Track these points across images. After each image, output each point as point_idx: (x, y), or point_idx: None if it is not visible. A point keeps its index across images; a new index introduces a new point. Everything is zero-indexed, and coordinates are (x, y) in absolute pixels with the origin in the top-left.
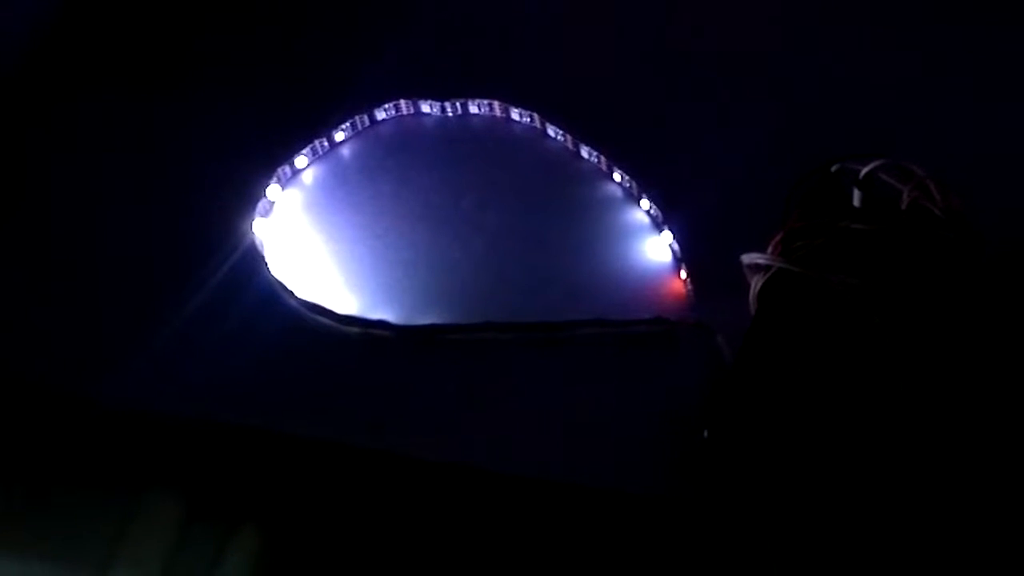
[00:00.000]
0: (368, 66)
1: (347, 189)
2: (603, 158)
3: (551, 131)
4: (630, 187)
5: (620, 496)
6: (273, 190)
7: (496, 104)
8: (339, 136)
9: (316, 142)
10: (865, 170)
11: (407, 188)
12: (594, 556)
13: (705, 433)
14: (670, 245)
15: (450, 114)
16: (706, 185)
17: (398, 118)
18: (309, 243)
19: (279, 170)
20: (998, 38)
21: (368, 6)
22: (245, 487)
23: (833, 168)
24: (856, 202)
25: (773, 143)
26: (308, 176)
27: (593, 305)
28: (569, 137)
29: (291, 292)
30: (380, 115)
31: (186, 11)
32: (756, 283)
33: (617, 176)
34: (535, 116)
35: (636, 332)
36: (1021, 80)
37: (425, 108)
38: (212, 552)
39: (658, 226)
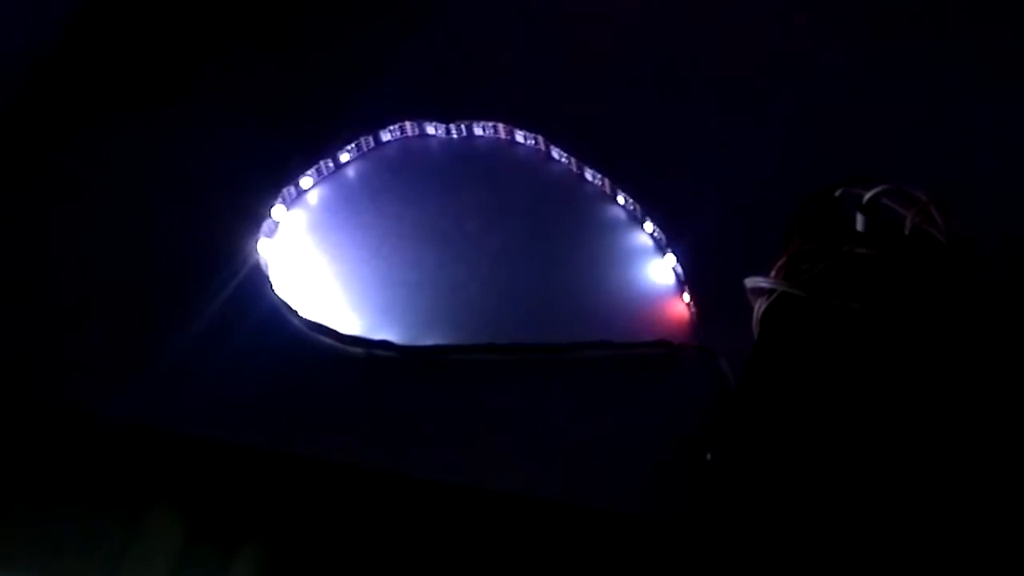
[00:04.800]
0: (373, 87)
1: (352, 210)
2: (607, 181)
3: (555, 153)
4: (634, 210)
5: (622, 519)
6: (278, 210)
7: (500, 126)
8: (344, 157)
9: (321, 163)
10: (869, 195)
11: (411, 209)
12: None
13: (708, 456)
14: (673, 268)
15: (455, 136)
16: (710, 208)
17: (403, 139)
18: (313, 263)
19: (284, 191)
20: (1002, 57)
21: (374, 27)
22: (247, 507)
23: (837, 193)
24: (860, 227)
25: (777, 166)
26: (313, 197)
27: (596, 327)
28: (573, 160)
29: (295, 312)
30: (385, 136)
31: (192, 31)
32: (759, 307)
33: (621, 199)
34: (539, 138)
35: (639, 355)
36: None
37: (430, 130)
38: (214, 572)
39: (661, 249)
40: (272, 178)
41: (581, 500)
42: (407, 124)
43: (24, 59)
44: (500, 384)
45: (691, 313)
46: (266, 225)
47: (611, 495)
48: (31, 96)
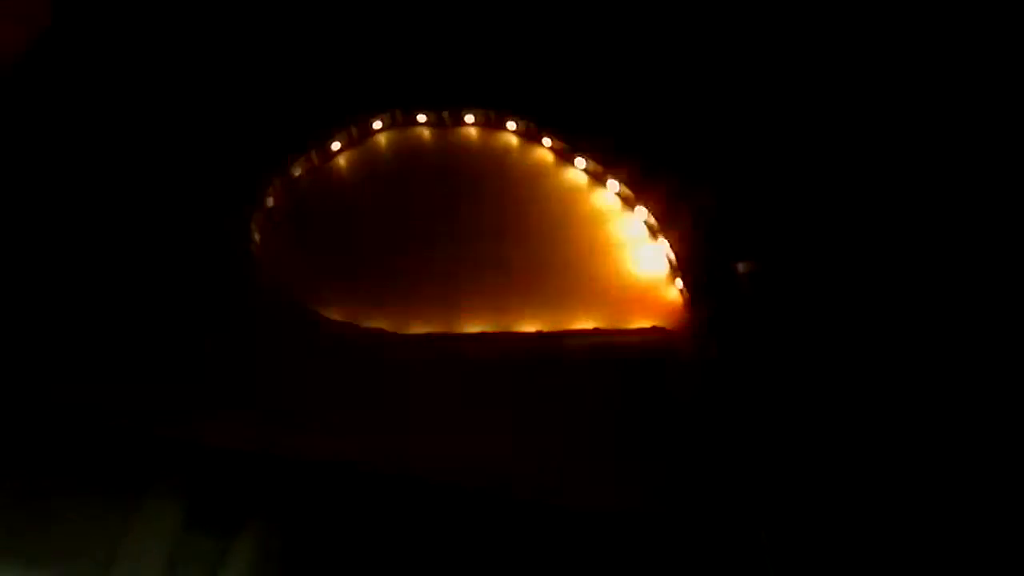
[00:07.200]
0: (363, 76)
1: (342, 198)
2: (599, 167)
3: (546, 140)
4: (626, 196)
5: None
6: (269, 199)
7: (490, 113)
8: (335, 145)
9: (312, 151)
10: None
11: (402, 197)
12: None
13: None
14: (666, 253)
15: (445, 123)
16: (702, 194)
17: (393, 127)
18: (305, 251)
19: (275, 179)
20: None
21: (363, 16)
22: (242, 494)
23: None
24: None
25: (768, 151)
26: (304, 185)
27: (590, 314)
28: (564, 146)
29: (287, 300)
30: (375, 124)
31: (184, 19)
32: (751, 290)
33: (613, 185)
34: (530, 125)
35: (633, 341)
36: None
37: (420, 117)
38: (212, 558)
39: (654, 234)
40: (263, 167)
41: (574, 486)
42: (397, 112)
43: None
44: (493, 373)
45: (684, 298)
46: (258, 213)
47: (606, 479)
48: (20, 80)
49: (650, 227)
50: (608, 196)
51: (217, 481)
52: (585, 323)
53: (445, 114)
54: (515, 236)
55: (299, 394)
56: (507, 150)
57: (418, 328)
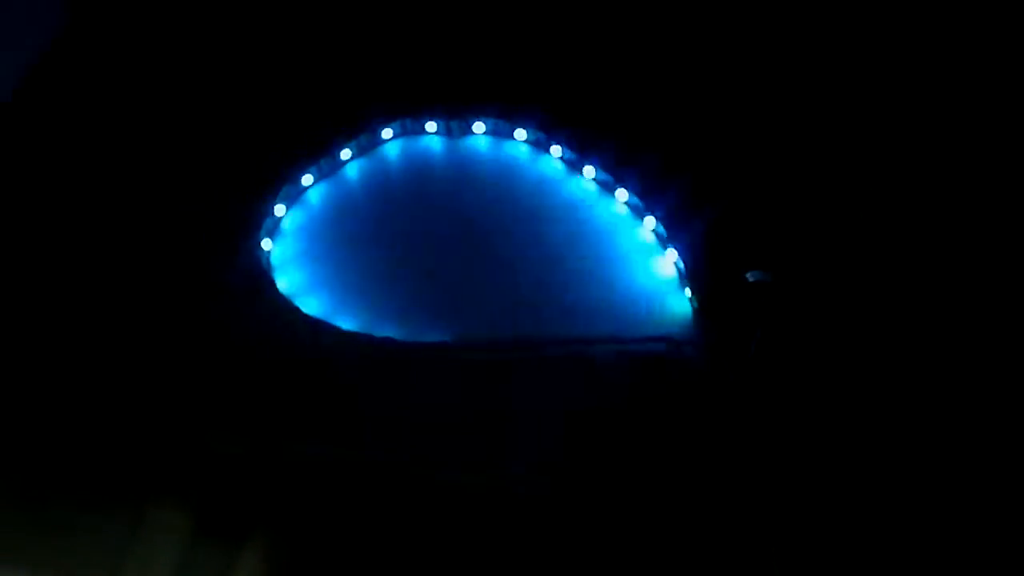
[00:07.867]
0: (373, 85)
1: (353, 208)
2: (609, 177)
3: (556, 150)
4: (636, 206)
5: None
6: (279, 208)
7: (501, 123)
8: (345, 155)
9: (322, 161)
10: None
11: (412, 207)
12: None
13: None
14: (676, 263)
15: (455, 133)
16: (711, 203)
17: (403, 137)
18: (315, 261)
19: (285, 188)
20: None
21: (373, 26)
22: (252, 502)
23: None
24: None
25: (779, 161)
26: (314, 194)
27: (600, 323)
28: (575, 156)
29: (297, 309)
30: (385, 134)
31: (193, 31)
32: (759, 299)
33: (623, 195)
34: (540, 135)
35: (643, 350)
36: None
37: (429, 127)
38: (219, 568)
39: (664, 244)
40: (273, 176)
41: (584, 493)
42: (407, 121)
43: (21, 57)
44: (502, 380)
45: (694, 308)
46: (268, 223)
47: (615, 490)
48: (29, 94)
49: (659, 236)
50: (617, 205)
51: (224, 490)
52: (594, 332)
53: (455, 124)
54: (524, 246)
55: (309, 403)
56: (517, 160)
57: (428, 337)
